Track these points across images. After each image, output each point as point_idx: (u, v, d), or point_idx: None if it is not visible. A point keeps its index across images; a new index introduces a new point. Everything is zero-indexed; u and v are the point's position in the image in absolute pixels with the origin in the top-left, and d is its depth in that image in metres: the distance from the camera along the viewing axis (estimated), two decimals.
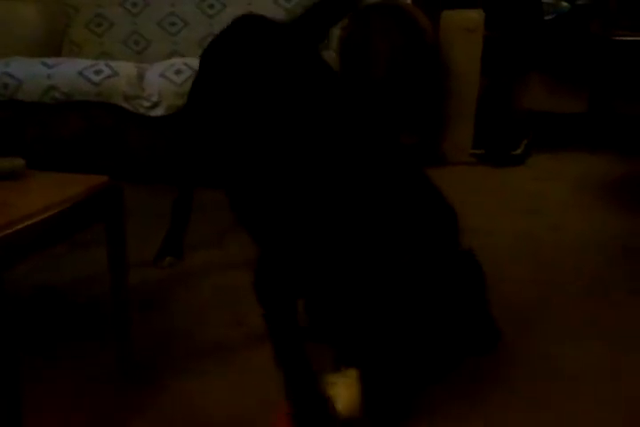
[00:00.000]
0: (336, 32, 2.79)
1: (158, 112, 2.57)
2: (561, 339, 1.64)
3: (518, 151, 3.16)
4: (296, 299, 1.19)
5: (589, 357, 1.56)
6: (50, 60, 2.73)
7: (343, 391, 1.04)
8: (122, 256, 1.35)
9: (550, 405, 1.38)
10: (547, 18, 3.34)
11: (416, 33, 2.83)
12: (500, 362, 1.52)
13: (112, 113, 2.62)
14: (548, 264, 2.10)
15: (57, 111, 2.65)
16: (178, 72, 2.57)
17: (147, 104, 2.58)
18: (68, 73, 2.64)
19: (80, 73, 2.63)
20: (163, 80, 2.57)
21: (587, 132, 3.41)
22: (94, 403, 1.33)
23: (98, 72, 2.62)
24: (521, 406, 1.38)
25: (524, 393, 1.41)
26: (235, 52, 1.52)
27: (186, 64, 2.59)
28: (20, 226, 1.11)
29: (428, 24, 2.90)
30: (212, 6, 3.13)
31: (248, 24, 1.66)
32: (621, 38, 3.23)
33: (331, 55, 2.78)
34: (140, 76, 2.63)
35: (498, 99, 3.34)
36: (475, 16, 3.03)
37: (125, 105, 2.60)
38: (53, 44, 3.21)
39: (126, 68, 2.65)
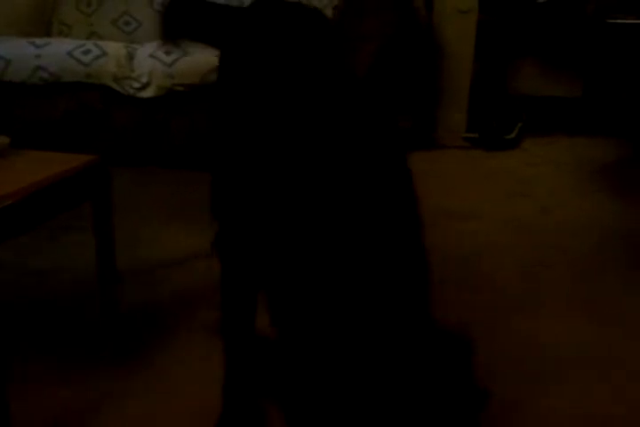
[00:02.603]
0: (328, 12, 2.76)
1: (148, 93, 2.54)
2: (550, 321, 1.65)
3: (511, 135, 3.15)
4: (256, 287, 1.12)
5: (576, 337, 1.56)
6: (38, 40, 2.68)
7: None
8: (109, 235, 1.34)
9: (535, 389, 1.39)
10: (540, 1, 3.31)
11: (409, 13, 2.80)
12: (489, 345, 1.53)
13: (101, 94, 2.58)
14: (538, 247, 2.10)
15: (45, 92, 2.61)
16: (168, 53, 2.54)
17: (136, 85, 2.54)
18: (56, 53, 2.60)
19: (69, 53, 2.59)
20: (153, 60, 2.53)
21: (581, 116, 3.39)
22: (80, 378, 1.33)
23: (87, 52, 2.58)
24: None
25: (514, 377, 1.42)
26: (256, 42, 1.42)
27: (176, 45, 2.55)
28: (4, 203, 1.09)
29: (421, 4, 2.88)
30: None
31: (267, 7, 1.56)
32: (617, 21, 3.20)
33: None
34: (130, 57, 2.59)
35: (491, 82, 3.32)
36: None
37: (115, 86, 2.57)
38: (42, 24, 3.16)
39: (116, 49, 2.61)
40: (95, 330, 1.42)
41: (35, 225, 1.19)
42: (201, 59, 2.51)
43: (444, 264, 1.95)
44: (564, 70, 3.46)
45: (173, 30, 1.78)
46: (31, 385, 1.23)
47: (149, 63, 2.54)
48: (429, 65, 3.07)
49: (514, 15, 3.27)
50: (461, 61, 3.10)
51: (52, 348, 1.46)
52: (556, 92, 3.44)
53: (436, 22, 3.05)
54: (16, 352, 1.12)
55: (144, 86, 2.54)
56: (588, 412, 1.30)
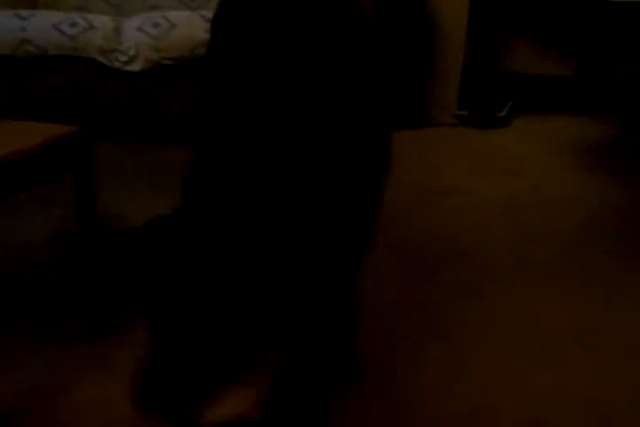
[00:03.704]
0: None
1: (135, 67, 2.51)
2: (537, 297, 1.66)
3: (502, 113, 3.13)
4: None
5: (564, 313, 1.57)
6: (24, 12, 2.63)
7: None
8: (91, 207, 1.32)
9: (525, 358, 1.40)
10: None
11: None
12: (478, 320, 1.53)
13: (88, 68, 2.56)
14: (528, 224, 2.10)
15: (31, 66, 2.58)
16: (156, 25, 2.50)
17: (123, 58, 2.51)
18: (42, 26, 2.56)
19: (55, 26, 2.55)
20: (140, 34, 2.50)
21: (573, 95, 3.38)
22: (53, 355, 1.32)
23: (73, 25, 2.55)
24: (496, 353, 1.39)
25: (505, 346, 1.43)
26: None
27: (164, 17, 2.52)
28: None
29: None
30: None
31: None
32: (622, 0, 3.16)
33: None
34: (117, 30, 2.55)
35: (483, 60, 3.30)
36: None
37: (101, 59, 2.54)
38: None
39: (103, 22, 2.57)
40: (73, 303, 1.41)
41: (15, 192, 1.18)
42: (189, 32, 2.48)
43: (430, 240, 1.96)
44: (556, 49, 3.43)
45: None
46: (5, 357, 1.22)
47: (136, 36, 2.51)
48: (422, 42, 3.04)
49: None
50: (454, 37, 3.06)
51: (31, 321, 1.45)
52: (548, 71, 3.42)
53: None
54: None
55: (131, 60, 2.51)
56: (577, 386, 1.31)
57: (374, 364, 1.32)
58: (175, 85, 2.50)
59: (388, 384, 1.27)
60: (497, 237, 2.01)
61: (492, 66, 3.33)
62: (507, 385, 1.30)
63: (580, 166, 2.63)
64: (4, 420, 1.14)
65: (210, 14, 1.47)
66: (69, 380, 1.25)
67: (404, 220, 2.07)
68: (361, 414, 1.18)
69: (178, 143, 1.95)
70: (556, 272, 1.78)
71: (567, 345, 1.44)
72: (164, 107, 2.51)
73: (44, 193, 1.29)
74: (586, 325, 1.53)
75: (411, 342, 1.43)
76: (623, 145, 2.91)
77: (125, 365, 1.28)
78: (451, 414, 1.21)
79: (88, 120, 2.55)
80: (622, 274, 1.76)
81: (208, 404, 0.93)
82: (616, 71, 3.38)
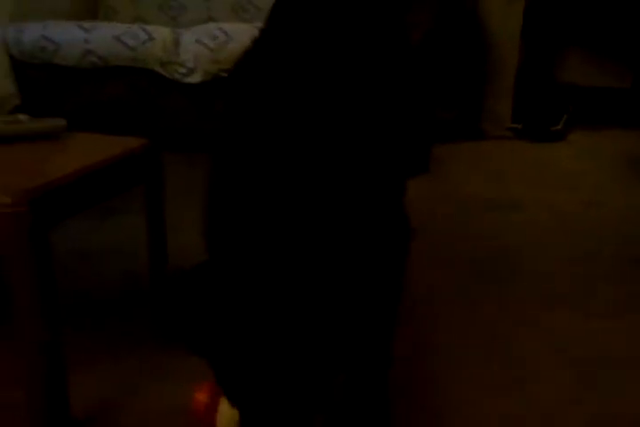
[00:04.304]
0: None
1: (194, 79, 2.55)
2: (595, 313, 1.62)
3: (558, 127, 3.09)
4: None
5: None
6: (87, 24, 2.70)
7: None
8: (160, 219, 1.35)
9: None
10: None
11: (455, 0, 2.76)
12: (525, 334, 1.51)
13: (148, 79, 2.61)
14: (581, 242, 2.06)
15: (94, 76, 2.64)
16: (214, 37, 2.54)
17: (182, 70, 2.56)
18: (104, 37, 2.62)
19: (117, 37, 2.61)
20: (198, 46, 2.55)
21: (630, 108, 3.31)
22: (127, 365, 1.35)
23: (134, 36, 2.60)
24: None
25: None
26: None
27: (221, 29, 2.56)
28: (60, 184, 1.11)
29: None
30: None
31: None
32: None
33: None
34: (176, 42, 2.60)
35: (538, 72, 3.26)
36: None
37: (161, 71, 2.59)
38: (89, 8, 3.20)
39: (162, 33, 2.62)
40: (145, 312, 1.44)
41: (88, 206, 1.21)
42: (245, 44, 2.51)
43: (483, 255, 1.94)
44: (613, 61, 3.37)
45: None
46: (80, 362, 1.25)
47: (195, 48, 2.55)
48: (475, 54, 3.02)
49: (562, 3, 3.20)
50: (507, 50, 3.04)
51: (102, 327, 1.48)
52: (605, 83, 3.36)
53: (482, 10, 3.00)
54: (67, 331, 1.14)
55: (190, 72, 2.55)
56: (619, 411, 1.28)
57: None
58: None
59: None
60: (550, 253, 1.98)
61: (547, 78, 3.28)
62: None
63: (636, 182, 2.57)
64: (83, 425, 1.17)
65: None
66: (136, 390, 1.28)
67: (459, 233, 2.07)
68: None
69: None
70: (616, 289, 1.74)
71: (625, 369, 1.41)
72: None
73: (113, 203, 1.32)
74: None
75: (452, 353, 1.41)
76: None
77: (190, 377, 1.31)
78: None
79: (149, 130, 2.62)
80: None
81: None
82: None
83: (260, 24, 1.40)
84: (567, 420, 1.24)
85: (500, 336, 1.51)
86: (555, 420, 1.24)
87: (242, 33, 2.58)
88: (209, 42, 2.55)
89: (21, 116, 1.36)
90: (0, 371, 1.31)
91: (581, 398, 1.30)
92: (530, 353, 1.45)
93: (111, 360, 1.36)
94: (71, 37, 2.63)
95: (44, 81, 2.66)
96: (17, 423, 1.15)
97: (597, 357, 1.44)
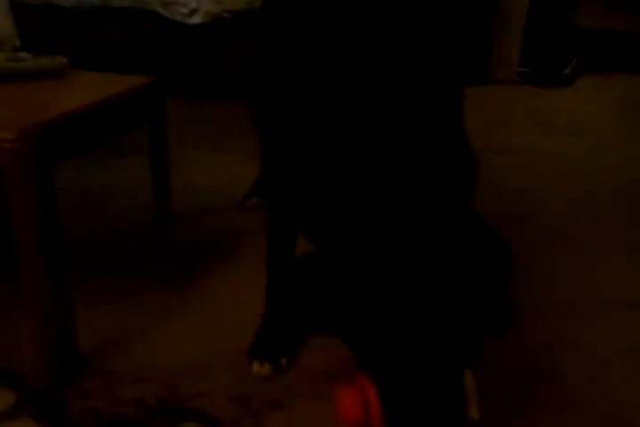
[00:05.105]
0: None
1: (196, 20, 2.51)
2: (589, 259, 1.64)
3: (567, 71, 3.03)
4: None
5: (613, 278, 1.54)
6: None
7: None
8: (164, 158, 1.35)
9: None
10: None
11: None
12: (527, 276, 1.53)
13: (151, 20, 2.56)
14: (586, 185, 2.06)
15: (95, 18, 2.60)
16: None
17: (184, 11, 2.51)
18: None
19: None
20: None
21: None
22: (130, 304, 1.38)
23: None
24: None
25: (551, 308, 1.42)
26: None
27: None
28: (64, 120, 1.11)
29: None
30: None
31: None
32: None
33: None
34: None
35: (548, 14, 3.17)
36: None
37: (163, 12, 2.54)
38: None
39: None
40: (149, 253, 1.46)
41: (93, 144, 1.21)
42: None
43: (490, 198, 1.94)
44: (626, 4, 3.28)
45: None
46: (86, 303, 1.27)
47: None
48: None
49: None
50: None
51: (105, 267, 1.51)
52: (617, 27, 3.27)
53: None
54: (70, 271, 1.16)
55: (192, 12, 2.50)
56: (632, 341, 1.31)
57: None
58: (235, 39, 2.49)
59: None
60: (556, 196, 1.98)
61: (559, 21, 3.20)
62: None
63: None
64: (90, 359, 1.21)
65: None
66: (139, 327, 1.31)
67: None
68: None
69: (235, 98, 1.96)
70: (616, 233, 1.75)
71: (611, 312, 1.42)
72: (225, 60, 2.51)
73: (115, 143, 1.31)
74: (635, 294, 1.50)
75: None
76: None
77: (192, 314, 1.35)
78: None
79: (150, 72, 2.58)
80: None
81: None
82: None
83: None
84: None
85: None
86: None
87: None
88: None
89: (23, 54, 1.34)
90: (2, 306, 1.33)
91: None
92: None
93: (115, 300, 1.38)
94: None
95: (43, 22, 2.62)
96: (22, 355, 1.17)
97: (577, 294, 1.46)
